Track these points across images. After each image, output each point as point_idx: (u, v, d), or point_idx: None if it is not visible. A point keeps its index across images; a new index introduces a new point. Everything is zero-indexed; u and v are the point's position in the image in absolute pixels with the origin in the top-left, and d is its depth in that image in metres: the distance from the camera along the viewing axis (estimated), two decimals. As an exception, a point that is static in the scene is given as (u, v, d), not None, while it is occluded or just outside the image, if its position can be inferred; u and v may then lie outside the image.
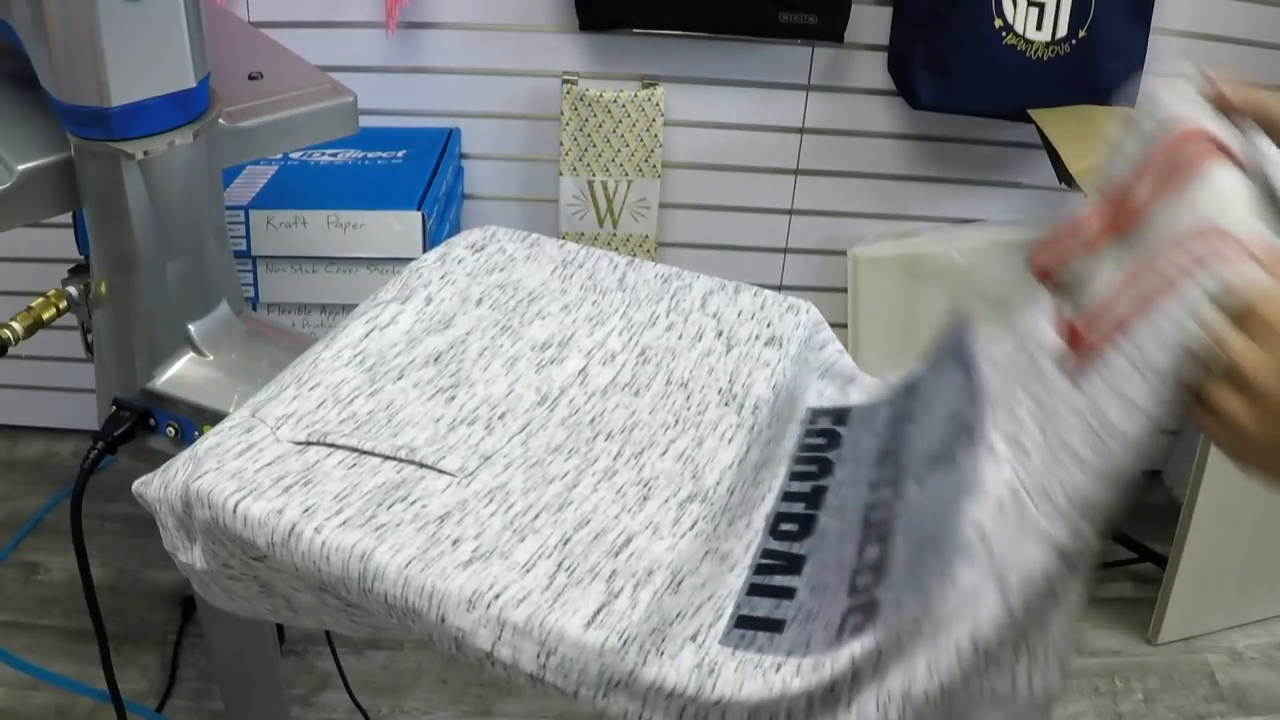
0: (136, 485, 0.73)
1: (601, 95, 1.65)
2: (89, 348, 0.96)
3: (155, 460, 0.91)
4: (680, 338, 0.86)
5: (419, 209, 1.46)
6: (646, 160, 1.70)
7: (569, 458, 0.74)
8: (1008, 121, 1.65)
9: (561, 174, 1.71)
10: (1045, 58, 1.55)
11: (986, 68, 1.56)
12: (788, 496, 0.76)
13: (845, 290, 1.83)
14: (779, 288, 1.68)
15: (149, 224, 0.85)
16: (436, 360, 0.80)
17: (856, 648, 0.60)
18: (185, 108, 0.83)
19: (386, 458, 0.72)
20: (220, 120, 0.88)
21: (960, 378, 0.75)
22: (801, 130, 1.75)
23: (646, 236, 1.76)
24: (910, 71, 1.60)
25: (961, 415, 0.72)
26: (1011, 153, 1.75)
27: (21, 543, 1.82)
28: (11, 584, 1.76)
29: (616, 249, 1.74)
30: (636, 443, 0.76)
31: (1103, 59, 1.57)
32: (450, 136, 1.69)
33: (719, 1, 1.57)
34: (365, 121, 1.05)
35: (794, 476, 0.78)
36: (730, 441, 0.77)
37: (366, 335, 0.82)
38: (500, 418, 0.76)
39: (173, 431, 0.89)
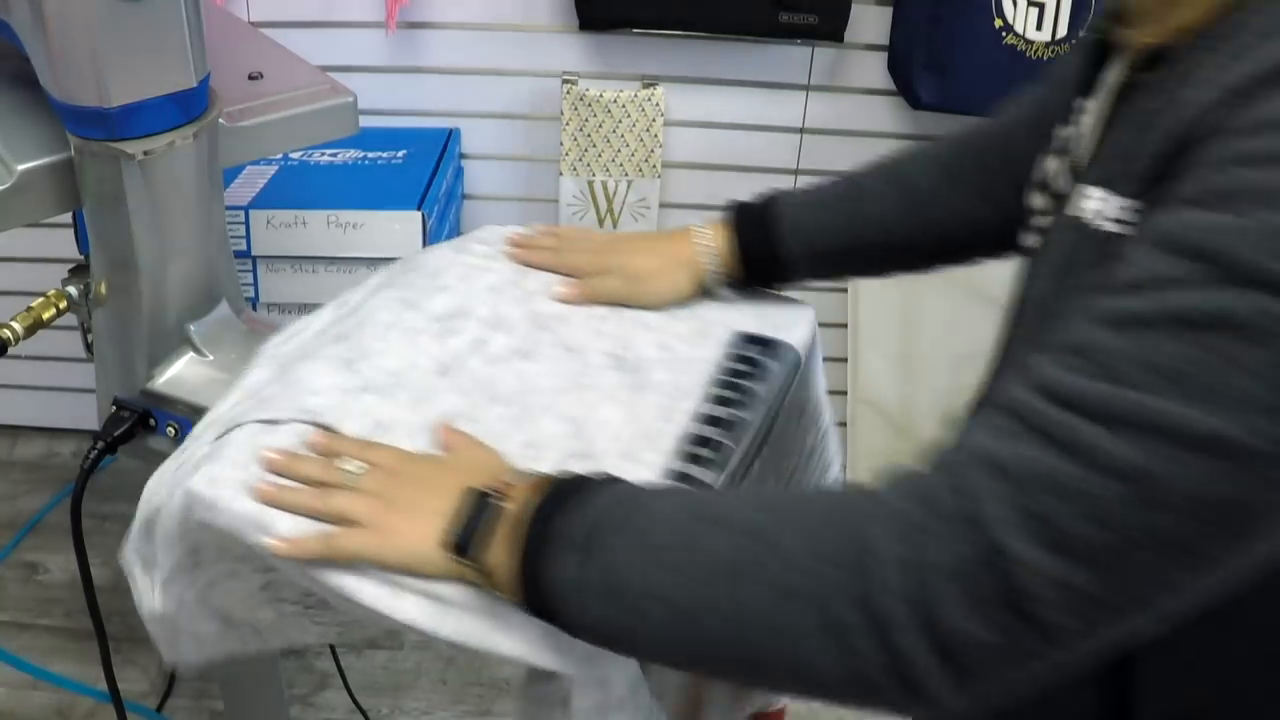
0: (122, 555, 0.75)
1: (601, 95, 1.65)
2: (89, 348, 0.96)
3: (155, 460, 0.91)
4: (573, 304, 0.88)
5: (419, 209, 1.46)
6: (646, 160, 1.70)
7: (466, 424, 0.75)
8: (1008, 121, 1.65)
9: (561, 174, 1.71)
10: (1045, 58, 1.55)
11: (986, 68, 1.56)
12: (707, 420, 0.77)
13: (845, 291, 1.83)
14: (779, 288, 1.68)
15: (149, 224, 0.85)
16: (344, 339, 0.82)
17: None
18: (185, 108, 0.83)
19: (290, 420, 0.73)
20: (220, 120, 0.88)
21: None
22: (801, 130, 1.75)
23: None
24: (910, 71, 1.60)
25: None
26: (1011, 153, 1.75)
27: (21, 543, 1.82)
28: (11, 584, 1.76)
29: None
30: (528, 408, 0.77)
31: (1103, 59, 1.57)
32: (450, 136, 1.69)
33: (719, 1, 1.57)
34: (365, 121, 1.05)
35: (718, 401, 0.79)
36: (619, 402, 0.78)
37: (287, 340, 0.84)
38: (399, 386, 0.77)
39: (173, 431, 0.89)
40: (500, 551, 0.59)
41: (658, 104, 1.67)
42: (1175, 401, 0.43)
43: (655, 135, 1.68)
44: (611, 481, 0.60)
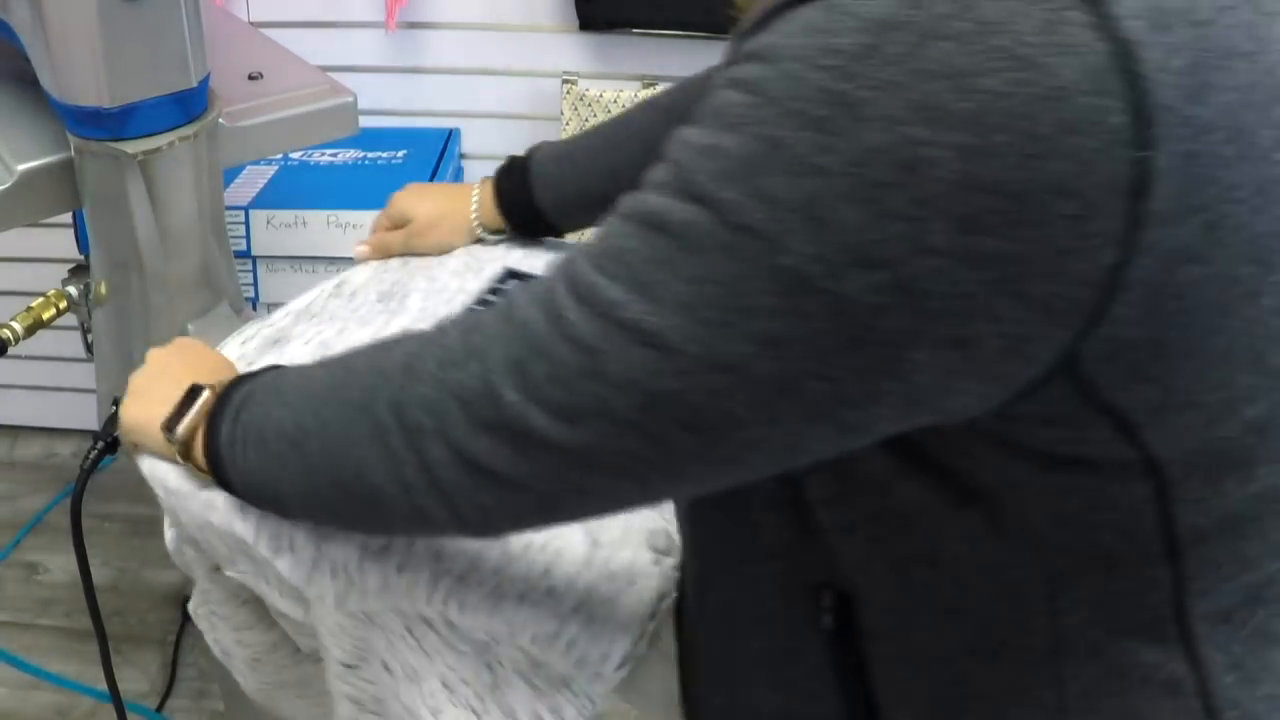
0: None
1: (601, 95, 1.65)
2: (89, 348, 0.97)
3: (155, 460, 0.91)
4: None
5: (419, 209, 1.46)
6: (646, 160, 1.70)
7: None
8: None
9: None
10: (1045, 58, 1.55)
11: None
12: None
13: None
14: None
15: (149, 224, 0.85)
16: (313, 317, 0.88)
17: None
18: (185, 108, 0.83)
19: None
20: (220, 120, 0.88)
21: None
22: (801, 130, 1.74)
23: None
24: (910, 71, 1.60)
25: None
26: (1011, 153, 1.75)
27: (21, 543, 1.82)
28: (11, 584, 1.76)
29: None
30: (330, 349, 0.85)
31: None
32: (450, 137, 1.69)
33: (719, 1, 1.57)
34: (365, 121, 1.05)
35: None
36: (369, 325, 0.87)
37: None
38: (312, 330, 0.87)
39: (173, 431, 0.89)
40: (198, 434, 0.67)
41: (658, 104, 1.67)
42: (621, 288, 0.46)
43: (655, 135, 1.68)
44: (280, 367, 0.68)
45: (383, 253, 0.98)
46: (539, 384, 0.49)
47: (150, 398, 0.72)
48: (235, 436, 0.64)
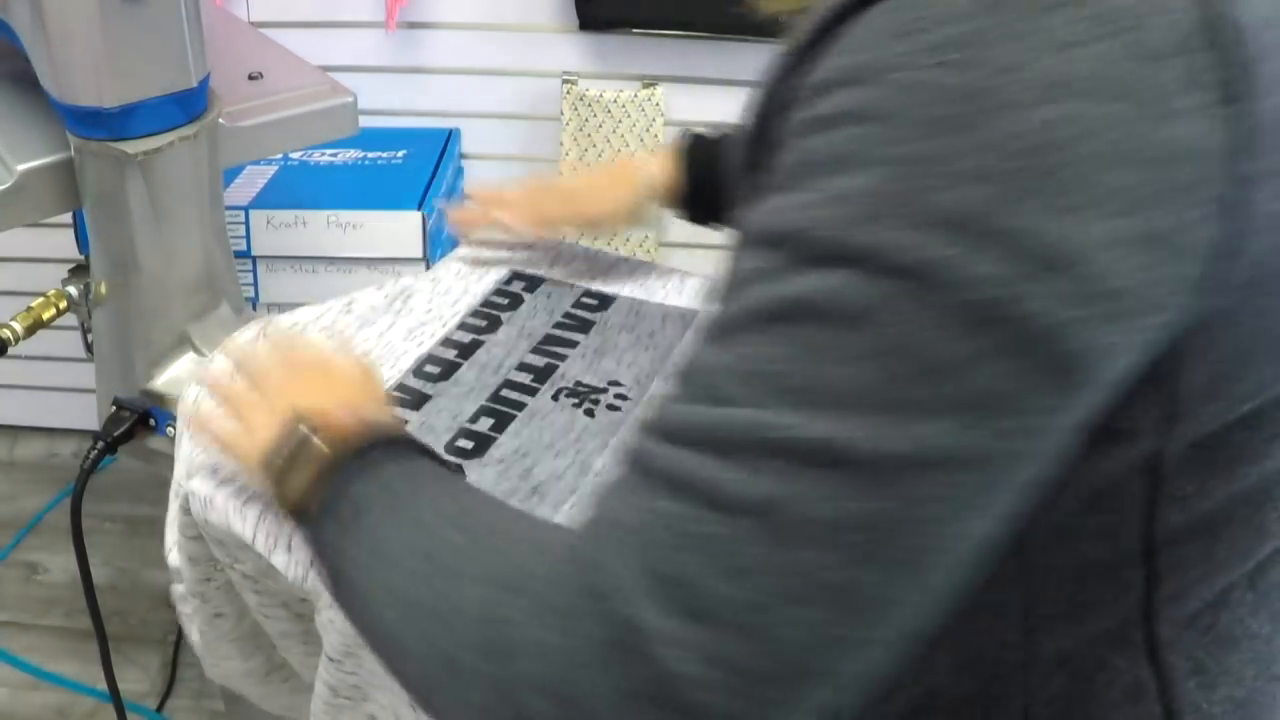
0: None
1: (601, 95, 1.65)
2: (89, 348, 0.96)
3: (155, 460, 0.91)
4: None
5: (419, 209, 1.46)
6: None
7: None
8: (1008, 121, 1.65)
9: (561, 174, 1.71)
10: (1045, 58, 1.55)
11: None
12: (445, 342, 0.85)
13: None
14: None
15: (149, 224, 0.85)
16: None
17: None
18: (185, 108, 0.83)
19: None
20: (220, 120, 0.88)
21: (662, 337, 0.86)
22: (801, 130, 1.74)
23: (646, 237, 1.75)
24: (910, 71, 1.60)
25: (638, 372, 0.82)
26: (1011, 153, 1.74)
27: (21, 543, 1.82)
28: (11, 584, 1.76)
29: (617, 249, 1.74)
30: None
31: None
32: (450, 136, 1.69)
33: (719, 1, 1.57)
34: (365, 121, 1.05)
35: (461, 326, 0.87)
36: (375, 327, 0.87)
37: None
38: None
39: (173, 431, 0.89)
40: (302, 486, 0.57)
41: (658, 104, 1.67)
42: (777, 410, 0.36)
43: (655, 135, 1.68)
44: (393, 456, 0.55)
45: (538, 221, 0.89)
46: (701, 590, 0.36)
47: (247, 412, 0.64)
48: (338, 550, 0.53)
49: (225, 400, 0.67)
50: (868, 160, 0.37)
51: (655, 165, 0.88)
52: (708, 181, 0.86)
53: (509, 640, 0.40)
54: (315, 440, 0.57)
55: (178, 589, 0.79)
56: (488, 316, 0.88)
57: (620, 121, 1.67)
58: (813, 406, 0.36)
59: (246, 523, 0.68)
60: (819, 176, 0.38)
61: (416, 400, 0.79)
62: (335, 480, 0.55)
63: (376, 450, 0.55)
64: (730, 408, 0.37)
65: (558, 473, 0.72)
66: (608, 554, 0.38)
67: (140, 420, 0.90)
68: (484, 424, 0.77)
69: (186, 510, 0.72)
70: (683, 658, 0.36)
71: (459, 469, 0.72)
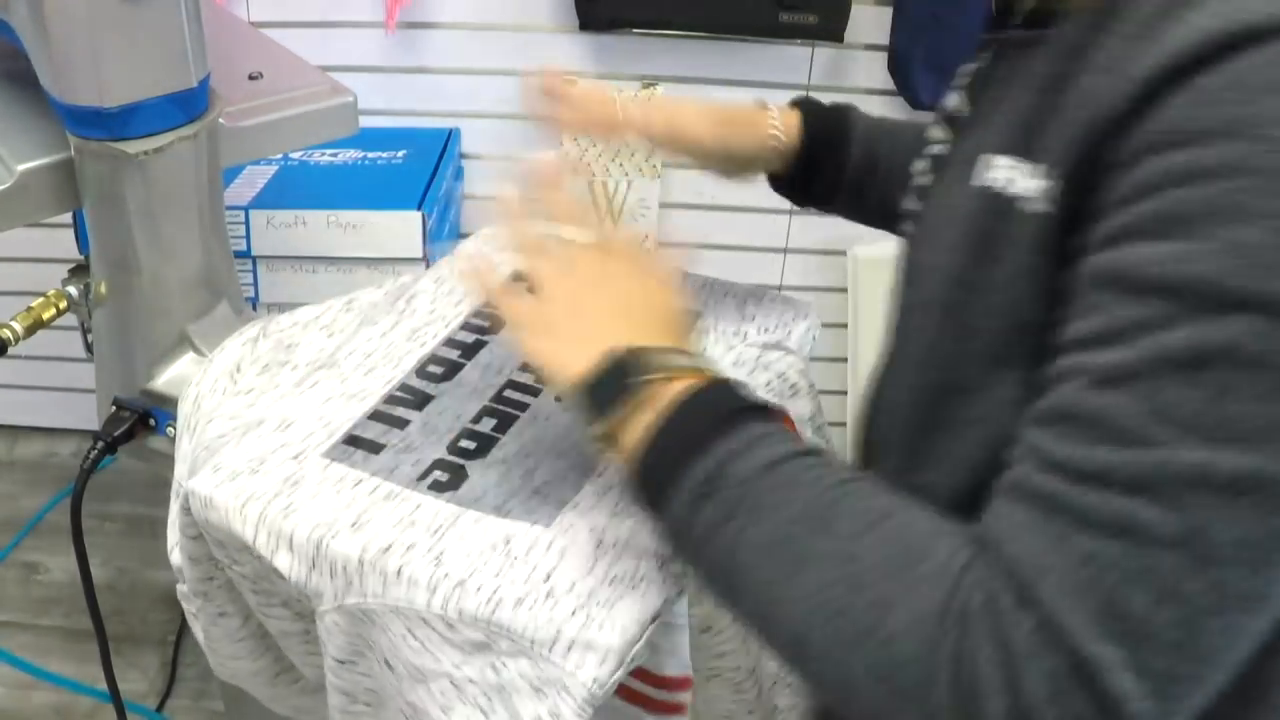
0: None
1: (601, 95, 1.65)
2: (89, 348, 0.96)
3: (155, 460, 0.91)
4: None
5: (419, 209, 1.46)
6: (646, 160, 1.70)
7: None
8: (1008, 121, 1.65)
9: None
10: (1045, 58, 1.55)
11: (986, 68, 1.56)
12: (449, 343, 0.85)
13: (845, 290, 1.83)
14: (779, 288, 1.68)
15: (149, 224, 0.85)
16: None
17: (427, 502, 0.69)
18: (185, 108, 0.83)
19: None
20: (220, 120, 0.88)
21: None
22: (801, 130, 1.74)
23: (646, 236, 1.75)
24: (910, 71, 1.60)
25: None
26: (1011, 153, 1.74)
27: (21, 543, 1.82)
28: (11, 584, 1.76)
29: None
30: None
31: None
32: (450, 136, 1.69)
33: (719, 1, 1.57)
34: (365, 121, 1.05)
35: (464, 326, 0.87)
36: (378, 327, 0.87)
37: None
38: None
39: (173, 431, 0.89)
40: (628, 425, 0.58)
41: (658, 104, 1.67)
42: (1199, 448, 0.41)
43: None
44: (763, 417, 0.57)
45: (643, 129, 0.79)
46: (1142, 619, 0.42)
47: (564, 334, 0.63)
48: (692, 524, 0.55)
49: (518, 312, 0.65)
50: (1255, 213, 0.41)
51: (780, 118, 0.82)
52: (827, 153, 0.83)
53: (972, 680, 0.45)
54: (648, 379, 0.58)
55: (182, 588, 0.79)
56: (491, 317, 0.88)
57: (620, 121, 1.67)
58: (1227, 442, 0.41)
59: (247, 523, 0.68)
60: (1206, 226, 0.41)
61: (420, 400, 0.79)
62: (687, 432, 0.56)
63: (713, 399, 0.58)
64: (1143, 448, 0.42)
65: (560, 474, 0.72)
66: (1050, 596, 0.43)
67: (140, 420, 0.90)
68: (487, 424, 0.77)
69: (187, 510, 0.72)
70: (1124, 678, 0.43)
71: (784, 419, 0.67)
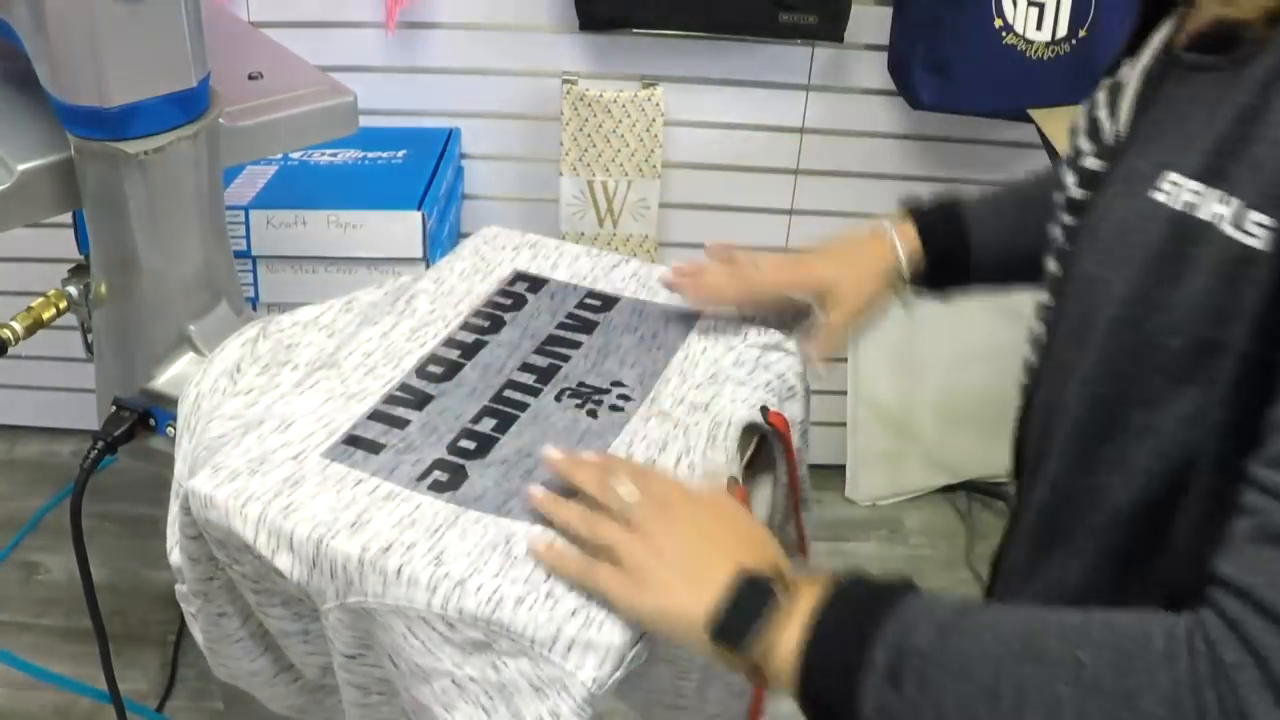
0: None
1: (601, 95, 1.65)
2: (89, 348, 0.96)
3: (155, 460, 0.91)
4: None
5: (419, 209, 1.46)
6: (646, 160, 1.70)
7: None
8: (1008, 121, 1.65)
9: (561, 174, 1.71)
10: (1045, 58, 1.55)
11: (986, 68, 1.56)
12: (449, 343, 0.85)
13: (845, 290, 1.82)
14: (779, 288, 1.68)
15: (149, 224, 0.85)
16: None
17: (427, 501, 0.69)
18: (185, 108, 0.83)
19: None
20: (220, 120, 0.88)
21: (665, 338, 0.87)
22: (801, 130, 1.75)
23: (646, 236, 1.76)
24: (910, 71, 1.60)
25: (641, 372, 0.82)
26: (1011, 153, 1.75)
27: (21, 543, 1.82)
28: (11, 584, 1.76)
29: (616, 249, 1.74)
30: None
31: (1103, 59, 1.56)
32: (450, 136, 1.69)
33: (719, 1, 1.57)
34: (365, 121, 1.05)
35: (464, 326, 0.88)
36: (378, 326, 0.87)
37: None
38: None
39: (173, 431, 0.89)
40: (775, 649, 0.57)
41: (658, 104, 1.67)
42: None
43: (655, 135, 1.68)
44: (909, 593, 0.57)
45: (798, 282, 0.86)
46: None
47: (668, 561, 0.61)
48: (890, 710, 0.53)
49: (601, 542, 0.63)
50: None
51: (902, 244, 0.87)
52: (952, 253, 0.87)
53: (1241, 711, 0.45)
54: (773, 592, 0.58)
55: (181, 588, 0.79)
56: (491, 317, 0.88)
57: (620, 121, 1.67)
58: None
59: (247, 523, 0.68)
60: None
61: (419, 400, 0.79)
62: (850, 633, 0.55)
63: (859, 591, 0.57)
64: None
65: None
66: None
67: (140, 420, 0.90)
68: (487, 424, 0.77)
69: (187, 510, 0.72)
70: None
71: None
